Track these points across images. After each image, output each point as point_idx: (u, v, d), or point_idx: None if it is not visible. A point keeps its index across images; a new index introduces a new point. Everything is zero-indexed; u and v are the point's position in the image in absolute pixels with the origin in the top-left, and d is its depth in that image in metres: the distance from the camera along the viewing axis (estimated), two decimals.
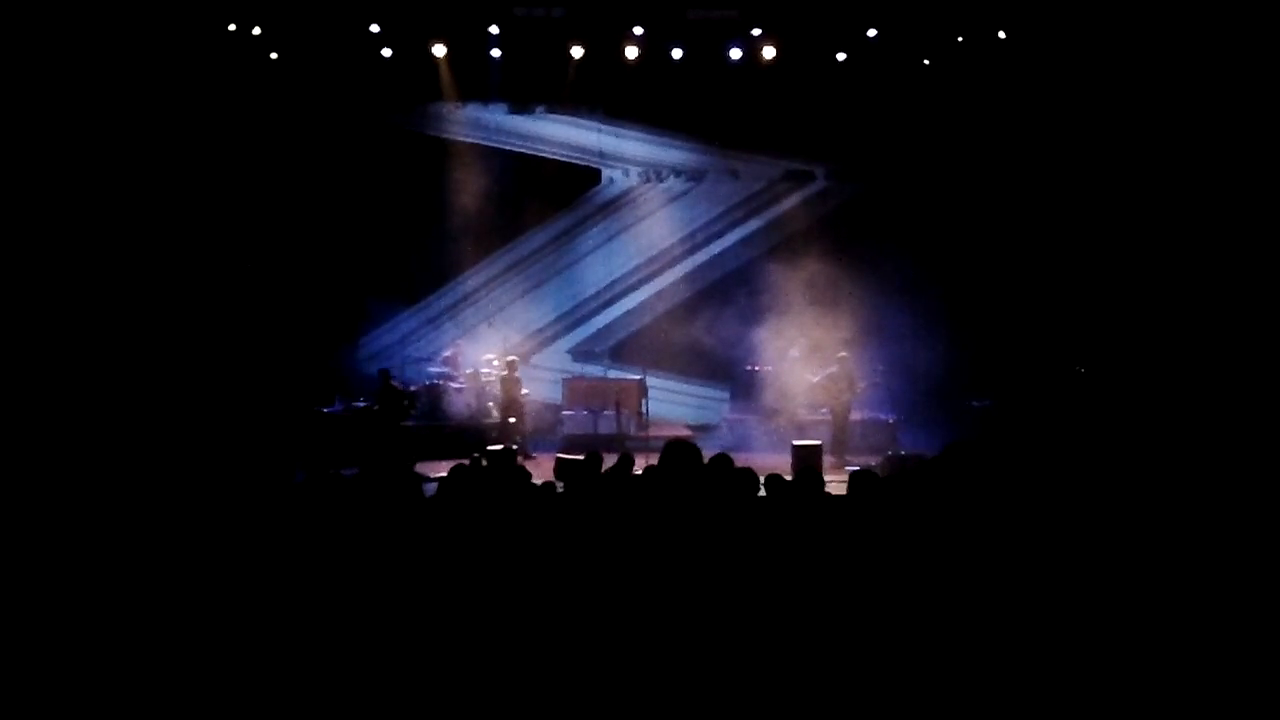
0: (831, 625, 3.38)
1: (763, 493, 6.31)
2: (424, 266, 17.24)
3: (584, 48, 16.14)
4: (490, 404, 16.34)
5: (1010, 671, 3.47)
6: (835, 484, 6.83)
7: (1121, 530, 4.98)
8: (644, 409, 16.10)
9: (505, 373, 15.70)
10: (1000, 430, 14.25)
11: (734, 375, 16.65)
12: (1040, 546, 4.31)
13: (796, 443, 13.31)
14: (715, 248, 17.99)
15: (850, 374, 14.69)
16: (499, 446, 13.22)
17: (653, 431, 15.62)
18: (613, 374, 16.73)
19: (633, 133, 17.84)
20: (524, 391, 15.76)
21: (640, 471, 7.40)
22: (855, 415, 15.06)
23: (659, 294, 17.97)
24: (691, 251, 17.99)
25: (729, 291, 17.26)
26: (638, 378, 16.33)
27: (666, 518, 3.98)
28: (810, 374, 15.11)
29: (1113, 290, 14.77)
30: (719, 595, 3.29)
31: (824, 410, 15.08)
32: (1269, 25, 13.04)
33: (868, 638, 3.40)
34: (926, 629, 3.55)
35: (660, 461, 5.30)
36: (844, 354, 14.78)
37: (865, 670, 3.30)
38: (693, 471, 5.09)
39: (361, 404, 15.22)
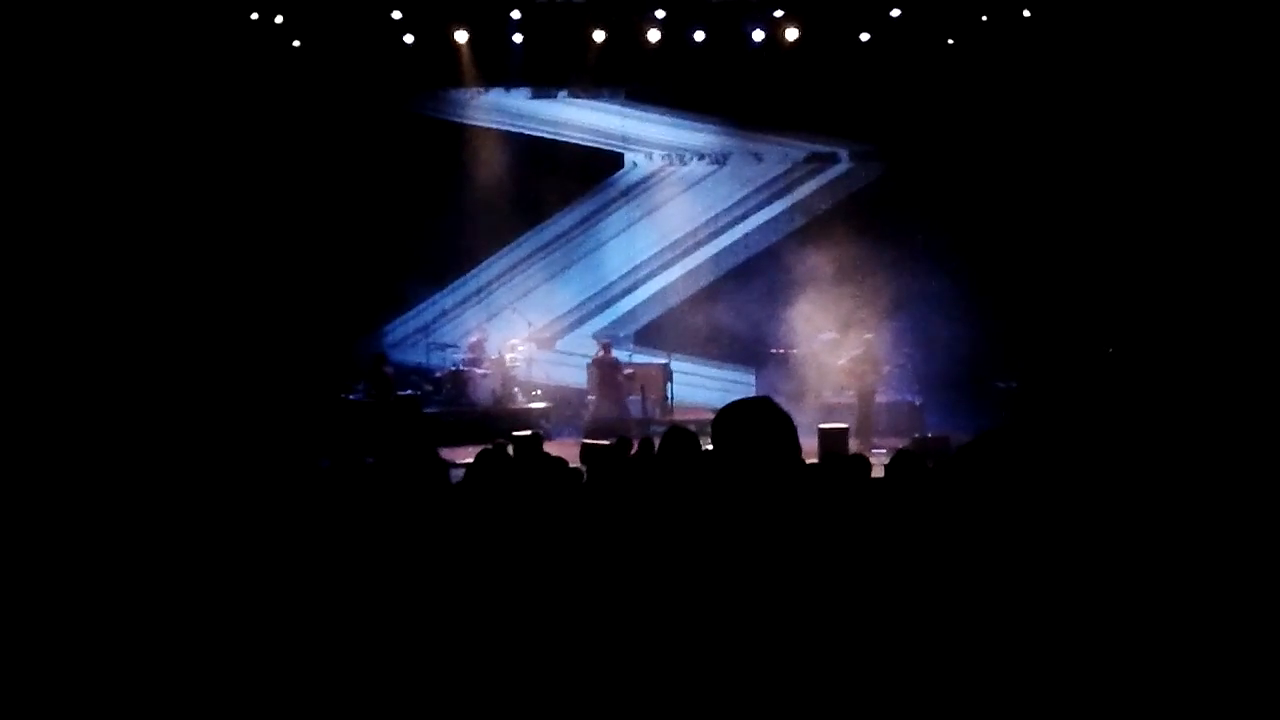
0: (872, 618, 3.34)
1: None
2: (447, 252, 17.22)
3: (605, 31, 16.08)
4: (515, 389, 16.37)
5: (1050, 665, 3.43)
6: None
7: (1153, 516, 4.93)
8: (669, 393, 16.09)
9: (601, 354, 15.78)
10: (1028, 414, 14.14)
11: (759, 359, 16.59)
12: (1074, 535, 4.26)
13: (822, 426, 13.26)
14: (739, 231, 17.91)
15: (875, 356, 14.62)
16: (526, 432, 13.23)
17: (677, 416, 15.62)
18: (637, 358, 16.69)
19: (655, 116, 17.78)
20: (626, 372, 15.85)
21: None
22: (881, 397, 14.98)
23: (683, 278, 17.91)
24: (715, 235, 17.92)
25: (753, 274, 17.18)
26: (663, 362, 16.32)
27: (694, 504, 3.95)
28: (836, 356, 15.05)
29: (1142, 269, 14.64)
30: (753, 582, 3.25)
31: (849, 393, 15.01)
32: None
33: (907, 628, 3.36)
34: (959, 621, 3.51)
35: (660, 450, 5.20)
36: (869, 336, 14.72)
37: (899, 656, 3.26)
38: (692, 460, 5.00)
39: (359, 390, 15.23)
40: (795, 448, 3.50)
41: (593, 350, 17.03)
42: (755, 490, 3.37)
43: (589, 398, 16.29)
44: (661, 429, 14.76)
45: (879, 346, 14.76)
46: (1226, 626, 3.80)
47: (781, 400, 13.85)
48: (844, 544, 3.69)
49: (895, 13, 15.73)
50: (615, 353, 16.27)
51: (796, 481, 3.50)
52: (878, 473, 5.86)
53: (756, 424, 3.48)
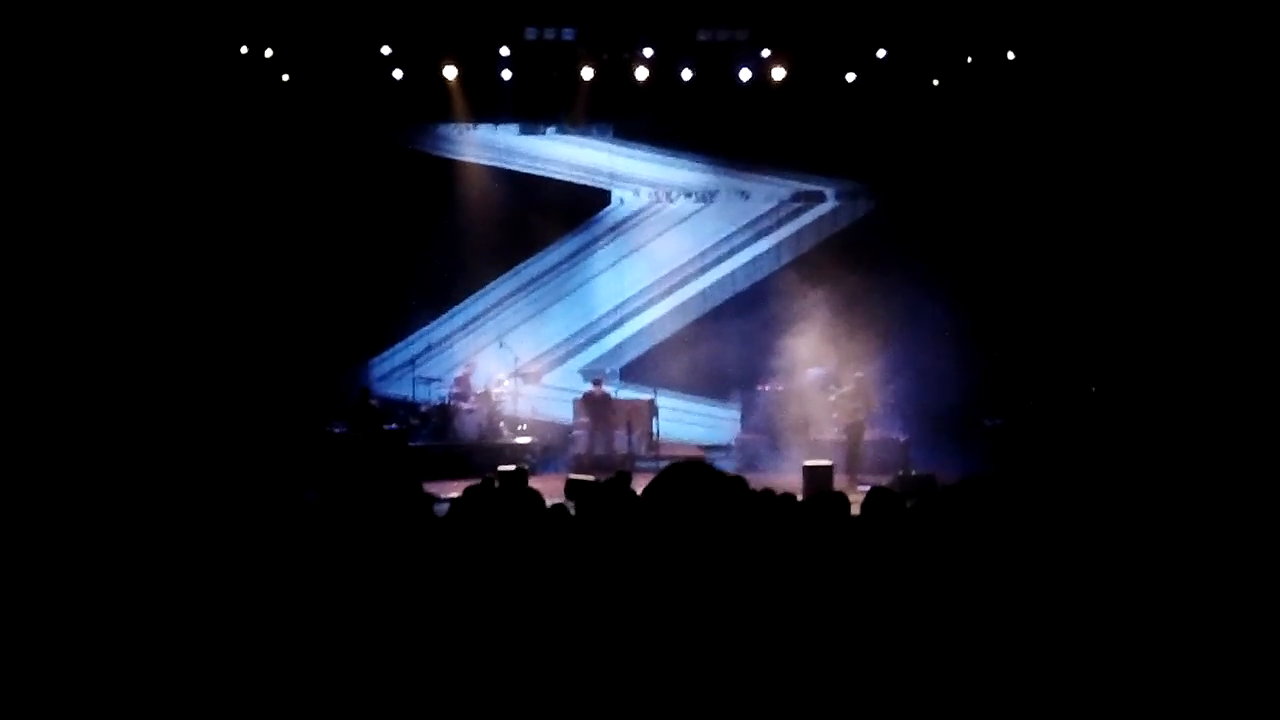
0: (855, 657, 3.35)
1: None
2: (435, 287, 17.25)
3: (594, 68, 16.18)
4: (501, 423, 16.36)
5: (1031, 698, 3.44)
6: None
7: (1135, 552, 4.94)
8: (655, 429, 16.09)
9: (594, 389, 15.97)
10: (1014, 457, 14.13)
11: (746, 394, 16.59)
12: (1060, 572, 4.28)
13: (808, 463, 13.26)
14: (726, 268, 17.97)
15: (866, 393, 14.66)
16: (510, 467, 13.21)
17: (663, 451, 15.63)
18: (623, 394, 16.69)
19: (643, 153, 17.86)
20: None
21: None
22: (867, 434, 14.98)
23: (670, 314, 17.95)
24: (702, 271, 17.98)
25: (740, 311, 17.23)
26: (649, 397, 16.33)
27: (679, 541, 3.96)
28: (826, 393, 15.10)
29: (1125, 308, 14.73)
30: (737, 619, 3.26)
31: (837, 429, 15.05)
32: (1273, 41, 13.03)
33: (888, 668, 3.37)
34: (939, 657, 3.52)
35: (663, 483, 5.16)
36: (860, 374, 14.76)
37: (883, 696, 3.27)
38: (703, 494, 4.96)
39: (337, 429, 15.14)
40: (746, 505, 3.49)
41: (581, 386, 17.05)
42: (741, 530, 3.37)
43: (575, 432, 16.28)
44: (648, 464, 14.81)
45: (870, 383, 14.80)
46: (1212, 669, 3.80)
47: (766, 437, 13.84)
48: (820, 580, 3.70)
49: (881, 53, 15.86)
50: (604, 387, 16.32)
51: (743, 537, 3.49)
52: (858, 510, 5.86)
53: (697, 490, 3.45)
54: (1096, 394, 14.78)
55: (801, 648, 3.23)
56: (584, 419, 16.02)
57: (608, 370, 17.48)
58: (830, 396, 15.00)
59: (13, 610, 4.48)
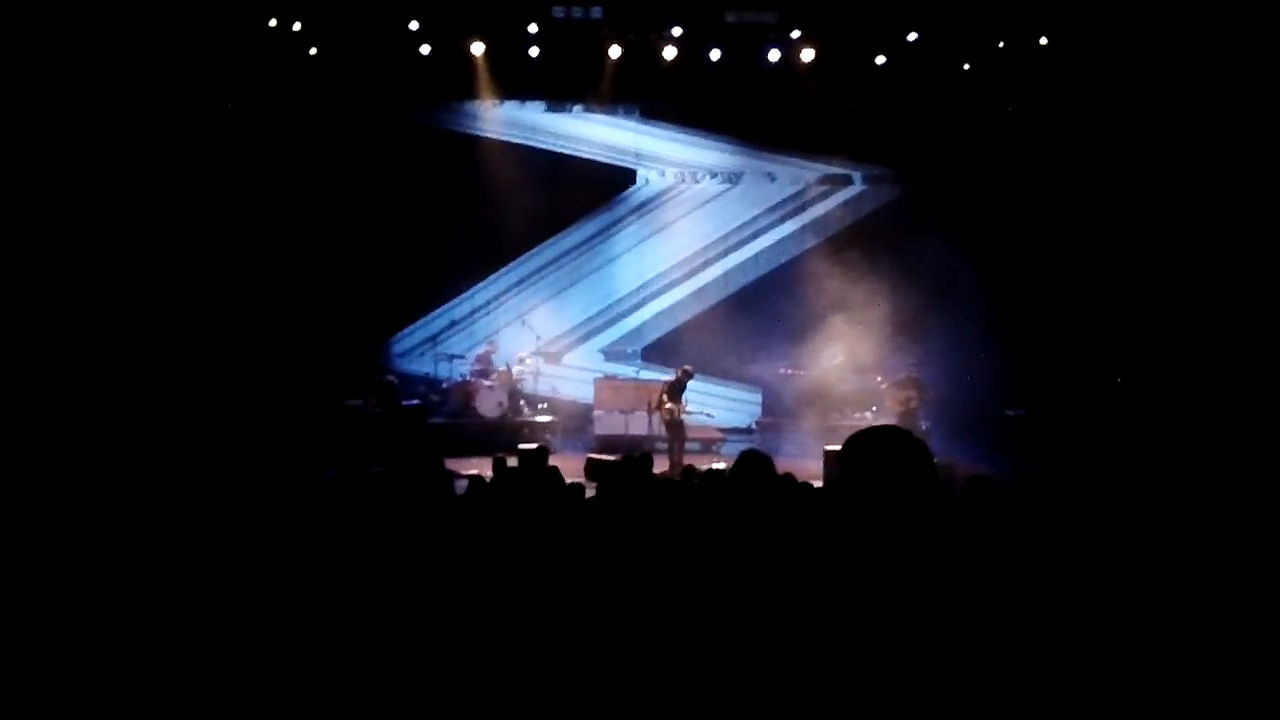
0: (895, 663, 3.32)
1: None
2: (457, 264, 17.25)
3: (621, 48, 16.11)
4: (522, 402, 16.37)
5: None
6: None
7: (1154, 550, 4.91)
8: None
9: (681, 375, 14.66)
10: (1036, 445, 14.04)
11: (767, 378, 16.55)
12: (1076, 567, 4.24)
13: (829, 448, 13.22)
14: (750, 250, 17.92)
15: (920, 380, 14.71)
16: (531, 445, 13.22)
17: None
18: (644, 375, 16.67)
19: (669, 133, 17.81)
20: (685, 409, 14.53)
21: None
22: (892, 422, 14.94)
23: (693, 295, 17.92)
24: (726, 253, 17.93)
25: (763, 294, 17.20)
26: (670, 379, 16.30)
27: (694, 523, 3.93)
28: (878, 380, 15.17)
29: (1153, 297, 14.59)
30: (747, 597, 3.23)
31: (856, 415, 15.03)
32: None
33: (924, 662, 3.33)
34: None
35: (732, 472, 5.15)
36: (913, 361, 14.85)
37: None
38: (764, 483, 4.92)
39: (358, 403, 15.09)
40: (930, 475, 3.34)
41: (601, 366, 17.09)
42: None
43: (596, 412, 16.26)
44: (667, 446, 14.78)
45: (920, 372, 14.81)
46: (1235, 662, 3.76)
47: (787, 420, 13.73)
48: (832, 570, 3.66)
49: (912, 36, 15.72)
50: (619, 367, 16.31)
51: (938, 510, 3.39)
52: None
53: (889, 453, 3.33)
54: (1122, 385, 14.66)
55: (810, 636, 3.20)
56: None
57: (629, 350, 17.47)
58: (882, 384, 15.02)
59: (31, 596, 4.50)
